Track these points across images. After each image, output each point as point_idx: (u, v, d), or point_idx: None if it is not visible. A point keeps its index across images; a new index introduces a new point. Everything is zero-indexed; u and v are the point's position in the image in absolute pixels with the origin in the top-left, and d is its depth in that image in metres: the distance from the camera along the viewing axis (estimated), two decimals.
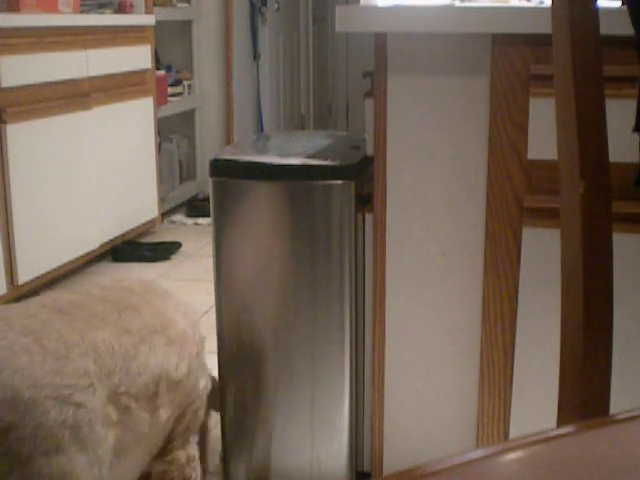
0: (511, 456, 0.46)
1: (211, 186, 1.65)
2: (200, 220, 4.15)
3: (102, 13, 3.55)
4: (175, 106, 4.24)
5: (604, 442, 0.47)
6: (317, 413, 1.68)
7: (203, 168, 4.52)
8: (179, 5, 4.36)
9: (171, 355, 1.35)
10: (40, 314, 1.21)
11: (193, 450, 1.48)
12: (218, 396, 1.63)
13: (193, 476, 1.49)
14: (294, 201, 1.59)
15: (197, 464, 1.50)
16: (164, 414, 1.33)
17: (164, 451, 1.43)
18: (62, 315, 1.22)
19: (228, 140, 4.64)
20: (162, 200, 3.99)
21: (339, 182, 1.57)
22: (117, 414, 1.21)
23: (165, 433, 1.40)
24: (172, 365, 1.35)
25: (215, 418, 2.07)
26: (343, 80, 6.35)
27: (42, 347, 1.14)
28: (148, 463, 1.38)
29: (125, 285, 1.42)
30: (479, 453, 0.47)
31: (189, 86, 4.43)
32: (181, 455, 1.45)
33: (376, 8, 1.48)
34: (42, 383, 1.10)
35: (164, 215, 4.09)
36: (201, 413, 1.48)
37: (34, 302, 1.27)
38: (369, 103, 1.56)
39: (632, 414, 0.49)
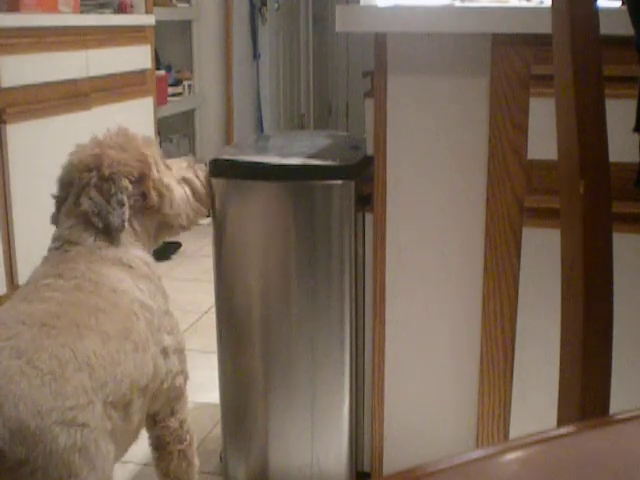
0: (511, 456, 0.46)
1: (211, 186, 1.64)
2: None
3: (102, 13, 3.55)
4: (175, 106, 4.24)
5: (604, 442, 0.47)
6: (317, 413, 1.68)
7: None
8: (179, 5, 4.36)
9: (138, 361, 1.31)
10: (23, 332, 1.15)
11: (183, 414, 1.48)
12: None
13: (188, 439, 1.49)
14: (294, 201, 1.59)
15: (190, 426, 1.50)
16: (136, 418, 1.32)
17: (155, 420, 1.44)
18: (47, 329, 1.17)
19: (228, 140, 4.64)
20: None
21: (339, 182, 1.57)
22: (110, 424, 1.19)
23: (139, 430, 1.40)
24: (139, 371, 1.31)
25: (216, 418, 2.07)
26: (343, 80, 6.35)
27: (37, 369, 1.09)
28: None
29: (74, 284, 1.32)
30: (479, 453, 0.47)
31: (189, 86, 4.43)
32: (172, 422, 1.45)
33: (376, 8, 1.48)
34: (46, 409, 1.07)
35: None
36: (179, 382, 1.45)
37: (8, 319, 1.20)
38: (369, 103, 1.56)
39: (632, 414, 0.49)
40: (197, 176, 1.61)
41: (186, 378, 1.48)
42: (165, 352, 1.41)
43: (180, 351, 1.46)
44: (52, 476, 1.06)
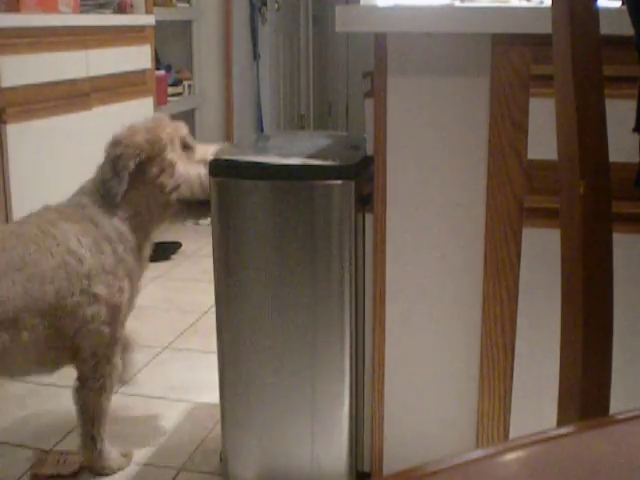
0: (511, 456, 0.46)
1: (211, 186, 1.65)
2: (200, 220, 4.15)
3: (102, 13, 3.55)
4: (175, 106, 4.24)
5: (604, 442, 0.47)
6: (317, 413, 1.68)
7: None
8: (179, 5, 4.36)
9: (31, 289, 1.62)
10: None
11: (111, 362, 1.80)
12: None
13: (107, 383, 1.79)
14: (294, 201, 1.59)
15: (115, 373, 1.81)
16: (25, 334, 1.61)
17: (79, 357, 1.76)
18: None
19: (228, 140, 4.64)
20: None
21: (339, 182, 1.57)
22: None
23: (34, 351, 1.66)
24: (31, 297, 1.62)
25: (216, 418, 2.07)
26: (343, 80, 6.35)
27: None
28: None
29: (23, 224, 1.74)
30: (479, 453, 0.47)
31: (189, 86, 4.43)
32: (92, 361, 1.76)
33: (376, 8, 1.48)
34: None
35: None
36: (105, 330, 1.74)
37: None
38: (369, 103, 1.56)
39: (632, 414, 0.49)
40: None
41: (114, 332, 1.76)
42: (94, 298, 1.69)
43: (114, 307, 1.73)
44: None
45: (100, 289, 1.69)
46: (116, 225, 1.74)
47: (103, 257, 1.70)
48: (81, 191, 1.80)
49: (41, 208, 1.78)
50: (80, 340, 1.71)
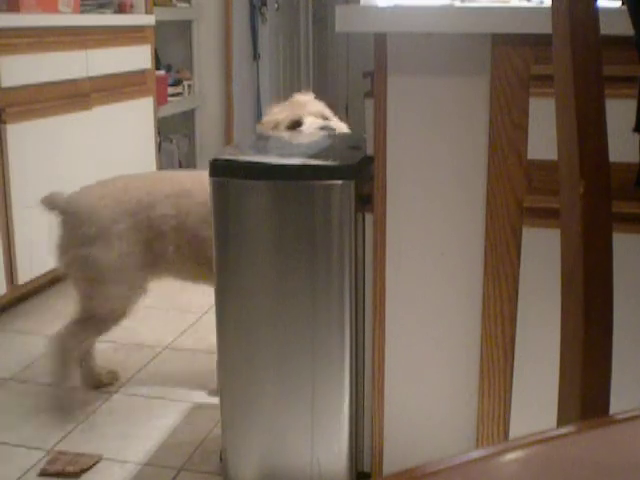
0: (511, 456, 0.46)
1: (211, 186, 1.65)
2: None
3: (102, 13, 3.55)
4: (175, 106, 4.24)
5: (604, 442, 0.47)
6: (317, 413, 1.68)
7: (203, 168, 4.52)
8: (179, 5, 4.36)
9: (179, 213, 2.20)
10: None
11: None
12: None
13: None
14: (294, 201, 1.59)
15: None
16: (171, 247, 2.17)
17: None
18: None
19: (228, 140, 4.64)
20: None
21: (339, 182, 1.57)
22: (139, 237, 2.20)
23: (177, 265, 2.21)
24: (176, 215, 2.16)
25: (216, 418, 2.07)
26: (343, 80, 6.35)
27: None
28: None
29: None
30: (479, 453, 0.47)
31: (189, 86, 4.43)
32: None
33: (376, 8, 1.48)
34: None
35: None
36: None
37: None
38: (369, 103, 1.56)
39: (632, 414, 0.49)
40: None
41: None
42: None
43: None
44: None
45: None
46: None
47: None
48: None
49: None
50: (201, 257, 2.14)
